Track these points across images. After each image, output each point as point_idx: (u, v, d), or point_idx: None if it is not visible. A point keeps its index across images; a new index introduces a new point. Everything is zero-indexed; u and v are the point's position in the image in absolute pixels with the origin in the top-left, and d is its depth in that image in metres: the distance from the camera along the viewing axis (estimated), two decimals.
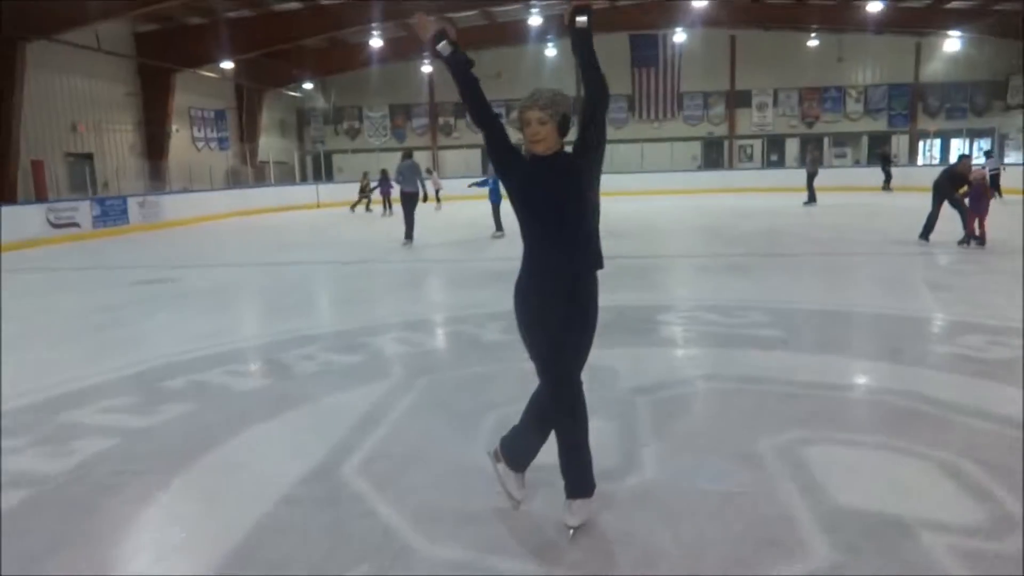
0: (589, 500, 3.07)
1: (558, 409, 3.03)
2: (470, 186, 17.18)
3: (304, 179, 33.37)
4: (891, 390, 4.78)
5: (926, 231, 12.05)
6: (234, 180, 28.76)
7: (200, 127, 27.61)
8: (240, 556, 2.94)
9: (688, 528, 3.06)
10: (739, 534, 2.99)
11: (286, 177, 32.22)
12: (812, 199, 21.42)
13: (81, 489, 3.63)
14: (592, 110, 2.95)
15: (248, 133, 30.20)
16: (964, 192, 11.78)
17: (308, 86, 32.87)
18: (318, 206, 28.52)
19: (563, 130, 2.96)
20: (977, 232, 11.52)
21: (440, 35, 2.99)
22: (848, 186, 26.83)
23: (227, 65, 25.83)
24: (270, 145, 31.82)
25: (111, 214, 19.50)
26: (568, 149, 3.01)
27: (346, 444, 4.07)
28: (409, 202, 14.29)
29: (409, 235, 14.19)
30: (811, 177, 21.47)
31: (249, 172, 29.58)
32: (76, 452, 4.07)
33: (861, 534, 2.96)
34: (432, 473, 3.68)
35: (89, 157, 21.92)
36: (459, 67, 2.98)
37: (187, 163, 25.45)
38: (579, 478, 3.06)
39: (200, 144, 27.60)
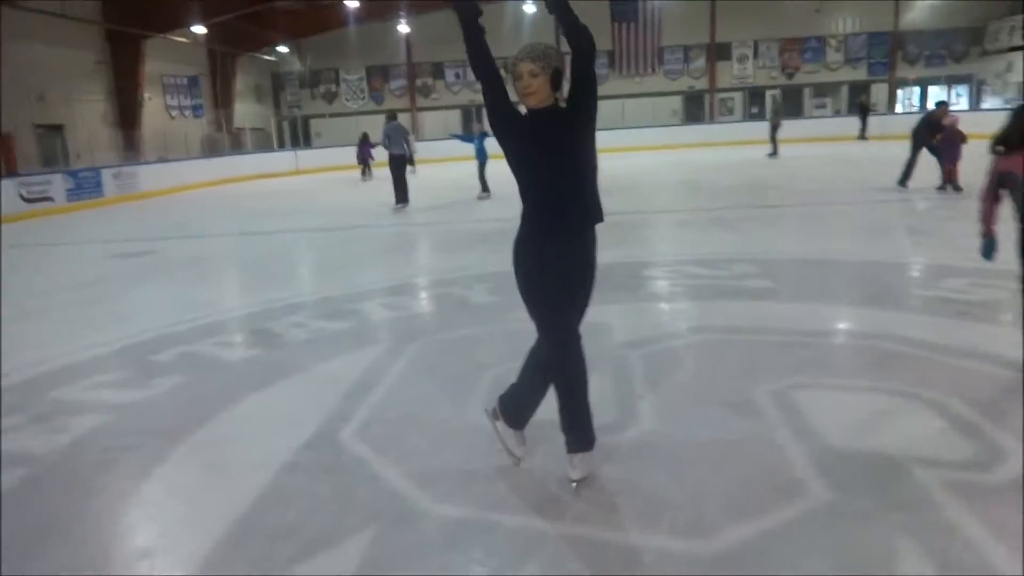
0: (590, 454, 3.11)
1: (558, 364, 3.05)
2: (452, 136, 17.06)
3: (282, 145, 32.95)
4: (878, 334, 4.84)
5: (904, 177, 12.17)
6: (210, 148, 28.33)
7: (173, 94, 27.11)
8: (248, 523, 2.96)
9: (689, 476, 3.11)
10: (739, 479, 3.05)
11: (263, 144, 31.79)
12: (776, 152, 21.32)
13: (78, 466, 3.63)
14: (580, 64, 2.91)
15: (223, 99, 29.69)
16: (939, 139, 11.86)
17: (283, 49, 32.28)
18: (297, 172, 28.21)
19: (556, 84, 2.93)
20: (950, 178, 11.63)
21: None
22: (829, 136, 26.86)
23: (199, 30, 25.26)
24: (246, 111, 31.34)
25: (85, 187, 19.18)
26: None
27: (342, 411, 4.08)
28: (398, 165, 14.17)
29: (403, 198, 14.10)
30: (774, 129, 21.41)
31: (225, 139, 29.15)
32: (70, 429, 4.05)
33: (856, 473, 3.03)
34: (431, 435, 3.70)
35: (59, 128, 21.49)
36: (468, 14, 2.93)
37: (161, 132, 25.02)
38: (580, 432, 3.09)
39: (174, 112, 27.13)
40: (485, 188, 14.91)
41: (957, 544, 2.53)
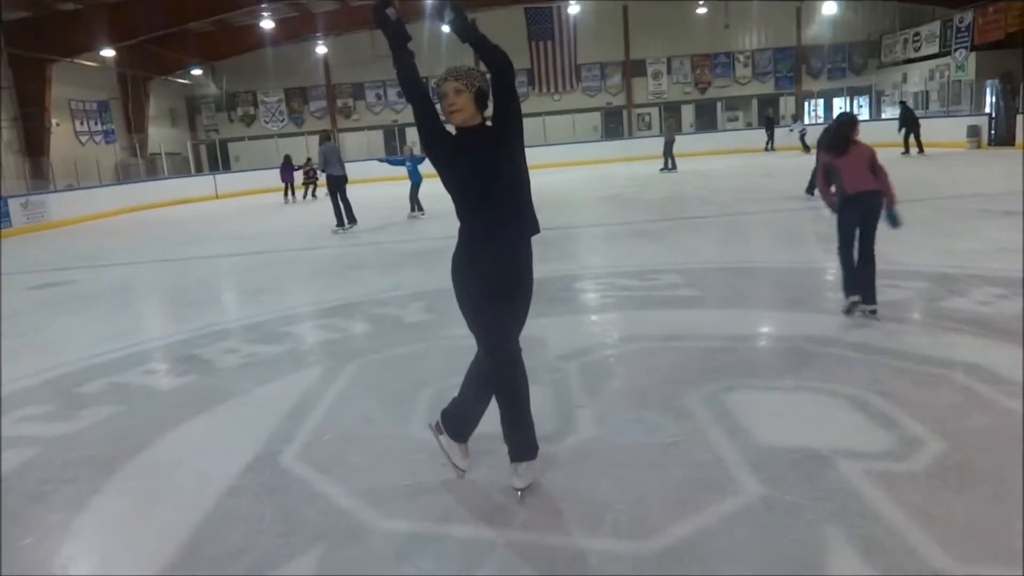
0: (534, 462, 3.19)
1: (499, 376, 3.12)
2: (382, 161, 17.01)
3: (200, 170, 32.15)
4: (799, 336, 5.09)
5: (812, 186, 12.78)
6: (124, 174, 27.45)
7: (83, 120, 26.19)
8: (192, 549, 2.93)
9: (629, 479, 3.22)
10: (677, 480, 3.18)
11: (180, 169, 30.97)
12: (668, 166, 21.82)
13: (12, 500, 3.51)
14: (499, 83, 3.02)
15: (136, 124, 28.82)
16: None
17: (197, 72, 31.55)
18: (217, 197, 27.60)
19: (481, 104, 3.03)
20: None
21: (387, 2, 3.00)
22: (741, 148, 27.91)
23: (108, 53, 24.50)
24: (161, 136, 30.47)
25: None
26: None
27: (281, 433, 4.06)
28: (338, 185, 13.72)
29: (351, 218, 13.78)
30: (668, 145, 21.98)
31: (140, 165, 28.27)
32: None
33: (785, 468, 3.19)
34: (374, 452, 3.73)
35: None
36: (398, 39, 3.01)
37: (71, 158, 24.10)
38: (523, 442, 3.17)
39: (84, 138, 26.20)
40: (419, 208, 14.94)
41: (880, 530, 2.71)
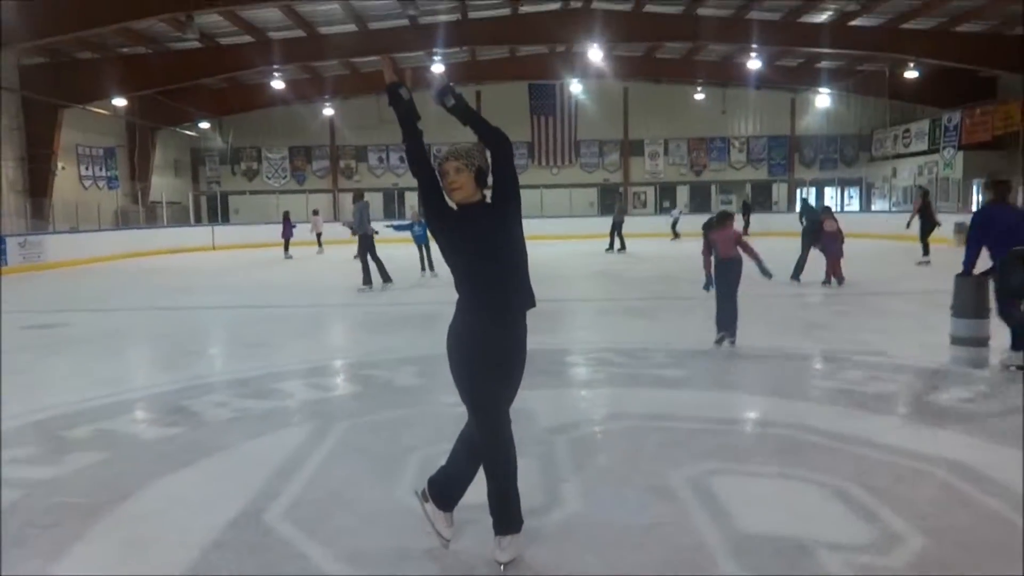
0: (518, 535, 3.21)
1: (489, 447, 3.17)
2: (388, 226, 17.20)
3: (199, 220, 32.38)
4: (783, 423, 5.15)
5: (796, 272, 13.07)
6: (124, 220, 27.63)
7: (88, 165, 26.49)
8: None
9: (612, 558, 3.24)
10: (659, 562, 3.20)
11: (180, 218, 31.19)
12: (613, 247, 21.76)
13: None
14: (499, 162, 3.17)
15: (140, 172, 29.16)
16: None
17: (204, 125, 32.10)
18: (214, 248, 27.75)
19: (481, 181, 3.17)
20: (833, 274, 12.85)
21: (401, 82, 3.17)
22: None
23: (119, 102, 24.97)
24: (163, 185, 30.79)
25: None
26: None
27: (267, 490, 4.06)
28: (369, 245, 13.70)
29: (386, 277, 13.70)
30: (617, 226, 21.97)
31: (140, 212, 28.49)
32: None
33: (767, 557, 3.22)
34: (359, 515, 3.73)
35: None
36: (409, 117, 3.18)
37: (73, 202, 24.30)
38: (508, 514, 3.19)
39: (88, 182, 26.46)
40: (431, 267, 15.06)
41: None
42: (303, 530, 3.56)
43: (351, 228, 14.46)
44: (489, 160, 3.17)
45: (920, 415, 5.37)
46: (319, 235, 24.38)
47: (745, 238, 7.72)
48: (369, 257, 13.62)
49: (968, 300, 6.69)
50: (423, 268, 15.26)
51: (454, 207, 3.19)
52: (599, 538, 3.43)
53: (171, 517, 3.76)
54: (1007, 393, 5.78)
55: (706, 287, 8.42)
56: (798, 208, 23.69)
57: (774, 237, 24.57)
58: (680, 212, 28.63)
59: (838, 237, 12.89)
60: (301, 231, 23.57)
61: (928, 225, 16.85)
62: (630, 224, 27.43)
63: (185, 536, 3.49)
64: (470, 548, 3.35)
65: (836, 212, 15.36)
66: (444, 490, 3.36)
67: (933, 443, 4.66)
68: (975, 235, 6.57)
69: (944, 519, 3.57)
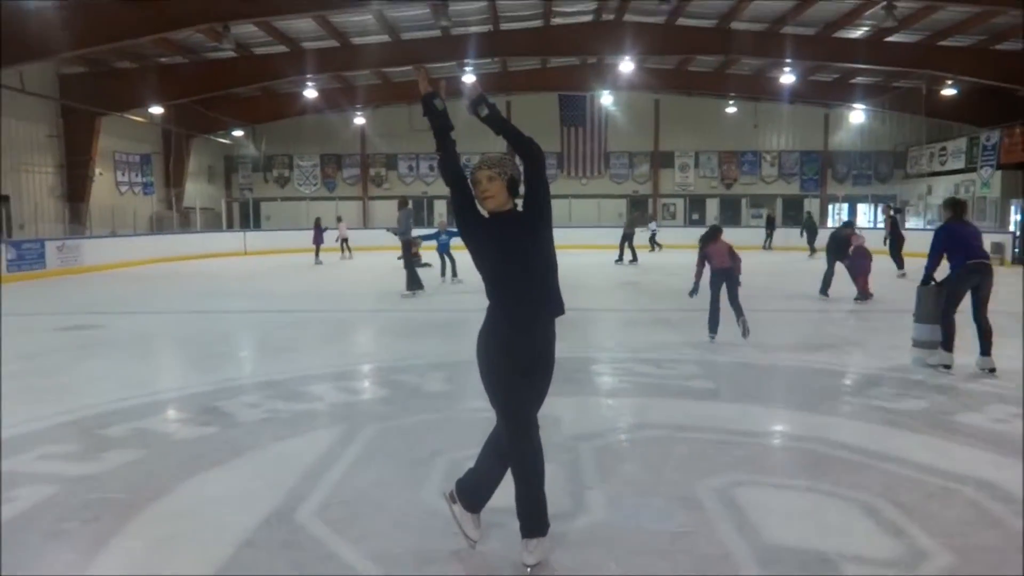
0: (544, 539, 3.24)
1: (517, 451, 3.21)
2: (416, 237, 17.42)
3: (231, 226, 32.85)
4: (812, 437, 5.13)
5: (824, 287, 13.02)
6: (158, 226, 28.12)
7: (124, 171, 27.00)
8: None
9: (636, 565, 3.27)
10: (684, 569, 3.22)
11: (212, 223, 31.66)
12: (621, 258, 21.68)
13: (29, 536, 3.60)
14: (531, 171, 3.22)
15: (175, 178, 29.66)
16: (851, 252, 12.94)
17: (238, 133, 32.58)
18: (245, 253, 28.13)
19: (512, 190, 3.22)
20: (863, 290, 12.75)
21: (435, 92, 3.25)
22: (757, 245, 28.35)
23: (156, 110, 25.46)
24: (197, 191, 31.29)
25: (27, 258, 18.84)
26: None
27: (299, 491, 4.14)
28: (410, 250, 14.26)
29: (418, 284, 14.16)
30: (626, 238, 21.98)
31: (175, 218, 28.97)
32: (22, 498, 4.02)
33: (791, 568, 3.22)
34: (388, 517, 3.79)
35: (5, 199, 21.18)
36: (443, 127, 3.26)
37: (109, 207, 24.78)
38: (535, 518, 3.23)
39: (124, 188, 26.96)
40: (455, 274, 15.81)
41: None
42: (334, 530, 3.62)
43: (395, 234, 14.88)
44: (521, 170, 3.22)
45: (951, 433, 5.31)
46: (344, 240, 24.72)
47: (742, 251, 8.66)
48: (405, 262, 14.10)
49: (928, 307, 7.60)
50: (443, 274, 16.08)
51: (485, 215, 3.25)
52: (624, 545, 3.46)
53: (205, 515, 3.85)
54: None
55: (691, 294, 8.95)
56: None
57: (797, 252, 24.47)
58: (657, 225, 28.84)
59: (866, 253, 12.82)
60: (331, 237, 23.88)
61: (897, 241, 17.84)
62: (662, 235, 27.57)
63: (219, 534, 3.58)
64: (496, 550, 3.39)
65: (869, 229, 15.35)
66: (472, 492, 3.41)
67: (962, 462, 4.61)
68: (937, 248, 7.21)
69: (971, 538, 3.55)
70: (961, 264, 7.07)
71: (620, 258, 21.85)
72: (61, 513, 3.87)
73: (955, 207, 7.49)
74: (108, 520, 3.74)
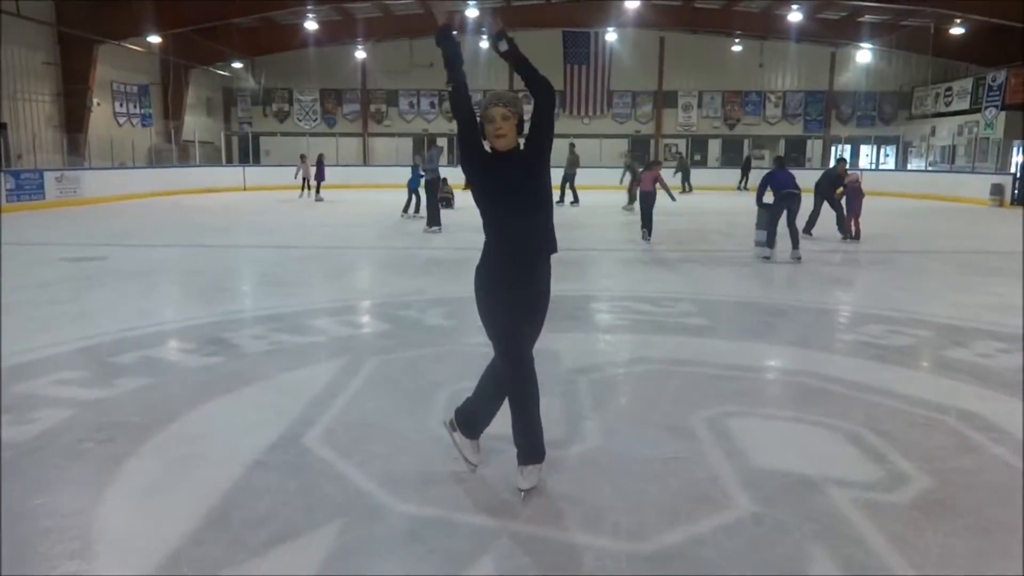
0: (539, 465, 3.40)
1: (513, 382, 3.35)
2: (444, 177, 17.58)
3: (230, 161, 32.65)
4: (803, 371, 5.30)
5: (809, 226, 13.19)
6: (157, 159, 27.98)
7: (122, 102, 26.74)
8: (221, 513, 3.16)
9: (629, 488, 3.43)
10: (674, 491, 3.39)
11: (211, 158, 31.48)
12: (564, 200, 20.90)
13: (50, 454, 3.77)
14: (541, 111, 3.27)
15: (173, 110, 29.38)
16: (840, 193, 13.03)
17: (237, 65, 32.13)
18: (244, 189, 28.09)
19: (520, 129, 3.28)
20: (853, 228, 12.98)
21: (452, 25, 3.28)
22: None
23: (154, 39, 25.06)
24: (195, 124, 31.01)
25: (27, 188, 18.86)
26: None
27: (305, 417, 4.30)
28: (435, 187, 14.55)
29: (438, 220, 14.43)
30: (568, 178, 21.34)
31: (173, 151, 28.79)
32: (40, 420, 4.18)
33: (777, 490, 3.40)
34: (391, 442, 3.95)
35: (3, 127, 21.03)
36: (456, 60, 3.27)
37: (107, 138, 24.61)
38: (530, 445, 3.38)
39: (122, 119, 26.74)
40: (417, 210, 16.35)
41: (861, 552, 2.90)
42: (339, 453, 3.79)
43: (424, 171, 15.13)
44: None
45: (938, 368, 5.47)
46: (306, 180, 23.63)
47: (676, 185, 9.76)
48: (430, 198, 14.43)
49: (761, 219, 11.56)
50: (404, 210, 16.55)
51: (488, 151, 3.31)
52: (617, 470, 3.62)
53: (216, 439, 4.01)
54: None
55: (625, 208, 10.20)
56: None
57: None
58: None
59: (860, 191, 12.90)
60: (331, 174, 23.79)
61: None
62: (667, 175, 27.43)
63: (231, 455, 3.73)
64: (494, 474, 3.55)
65: (870, 170, 15.41)
66: (470, 419, 3.55)
67: (947, 395, 4.78)
68: (764, 185, 10.92)
69: (950, 463, 3.72)
70: (777, 193, 10.63)
71: (561, 199, 20.69)
72: (80, 434, 4.03)
73: (778, 160, 11.96)
74: (123, 442, 3.90)
